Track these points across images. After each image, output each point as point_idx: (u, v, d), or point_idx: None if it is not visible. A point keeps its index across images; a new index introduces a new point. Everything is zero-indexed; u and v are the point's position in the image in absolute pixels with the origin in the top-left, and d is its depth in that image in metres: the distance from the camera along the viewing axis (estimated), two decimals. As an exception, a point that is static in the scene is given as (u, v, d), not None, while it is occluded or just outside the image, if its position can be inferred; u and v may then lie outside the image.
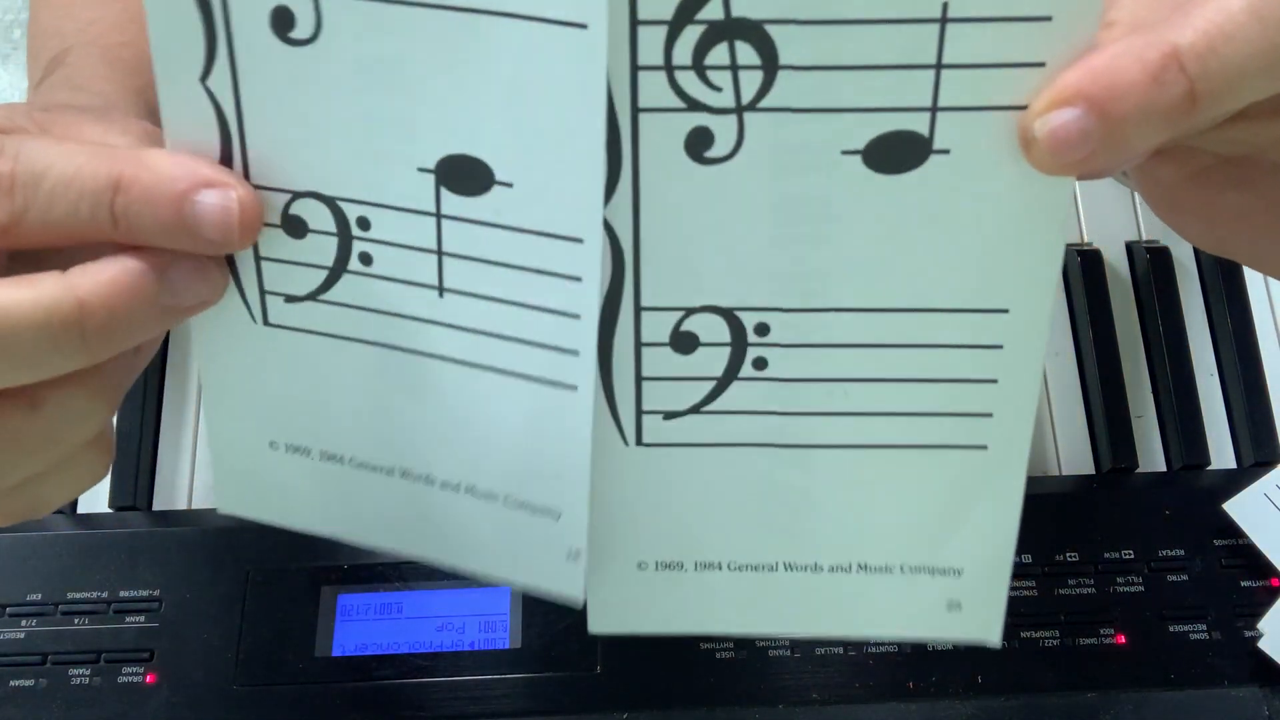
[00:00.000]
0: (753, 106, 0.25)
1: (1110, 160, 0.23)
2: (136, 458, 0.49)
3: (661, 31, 0.24)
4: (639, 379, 0.29)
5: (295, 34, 0.26)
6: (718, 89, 0.25)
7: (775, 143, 0.25)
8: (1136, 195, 0.54)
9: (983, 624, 0.31)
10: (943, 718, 0.42)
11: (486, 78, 0.25)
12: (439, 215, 0.27)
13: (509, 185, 0.26)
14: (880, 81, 0.24)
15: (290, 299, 0.30)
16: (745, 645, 0.43)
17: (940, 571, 0.31)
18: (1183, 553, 0.45)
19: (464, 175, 0.27)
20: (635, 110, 0.25)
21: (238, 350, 0.31)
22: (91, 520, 0.48)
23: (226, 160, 0.27)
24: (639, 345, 0.28)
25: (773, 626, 0.33)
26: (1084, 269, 0.51)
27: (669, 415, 0.29)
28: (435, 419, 0.31)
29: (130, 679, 0.43)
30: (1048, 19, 0.23)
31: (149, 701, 0.43)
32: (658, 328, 0.28)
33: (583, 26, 0.24)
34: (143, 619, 0.44)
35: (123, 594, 0.45)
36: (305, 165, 0.27)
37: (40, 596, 0.44)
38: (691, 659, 0.43)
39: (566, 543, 0.31)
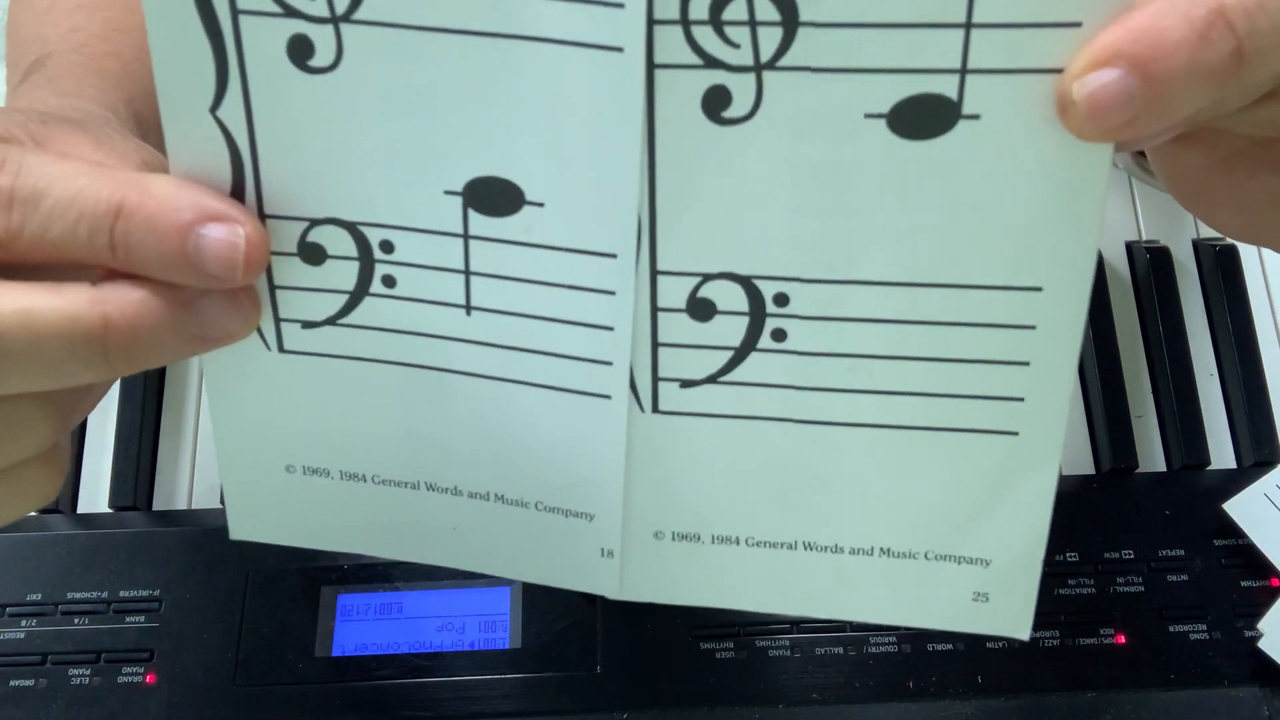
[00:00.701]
0: (772, 65, 0.24)
1: (1153, 124, 0.21)
2: (136, 458, 0.49)
3: None
4: (655, 344, 0.28)
5: (314, 62, 0.25)
6: (736, 45, 0.24)
7: (795, 104, 0.24)
8: (1137, 195, 0.54)
9: (1011, 617, 0.30)
10: (943, 718, 0.42)
11: (519, 102, 0.25)
12: (466, 236, 0.27)
13: (540, 205, 0.26)
14: (906, 41, 0.23)
15: (307, 324, 0.29)
16: (745, 645, 0.43)
17: (967, 561, 0.30)
18: (1183, 553, 0.45)
19: (493, 196, 0.26)
20: (651, 66, 0.24)
21: (251, 378, 0.30)
22: (91, 520, 0.48)
23: (238, 190, 0.27)
24: (655, 310, 0.27)
25: (792, 607, 0.32)
26: (1084, 269, 0.51)
27: (685, 384, 0.29)
28: (463, 433, 0.30)
29: (130, 679, 0.43)
30: None
31: (149, 701, 0.43)
32: (674, 293, 0.27)
33: (619, 50, 0.23)
34: (143, 619, 0.44)
35: (122, 594, 0.45)
36: (324, 192, 0.27)
37: (40, 596, 0.44)
38: (691, 659, 0.43)
39: (600, 542, 0.31)
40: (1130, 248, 0.53)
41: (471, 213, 0.27)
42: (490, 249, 0.27)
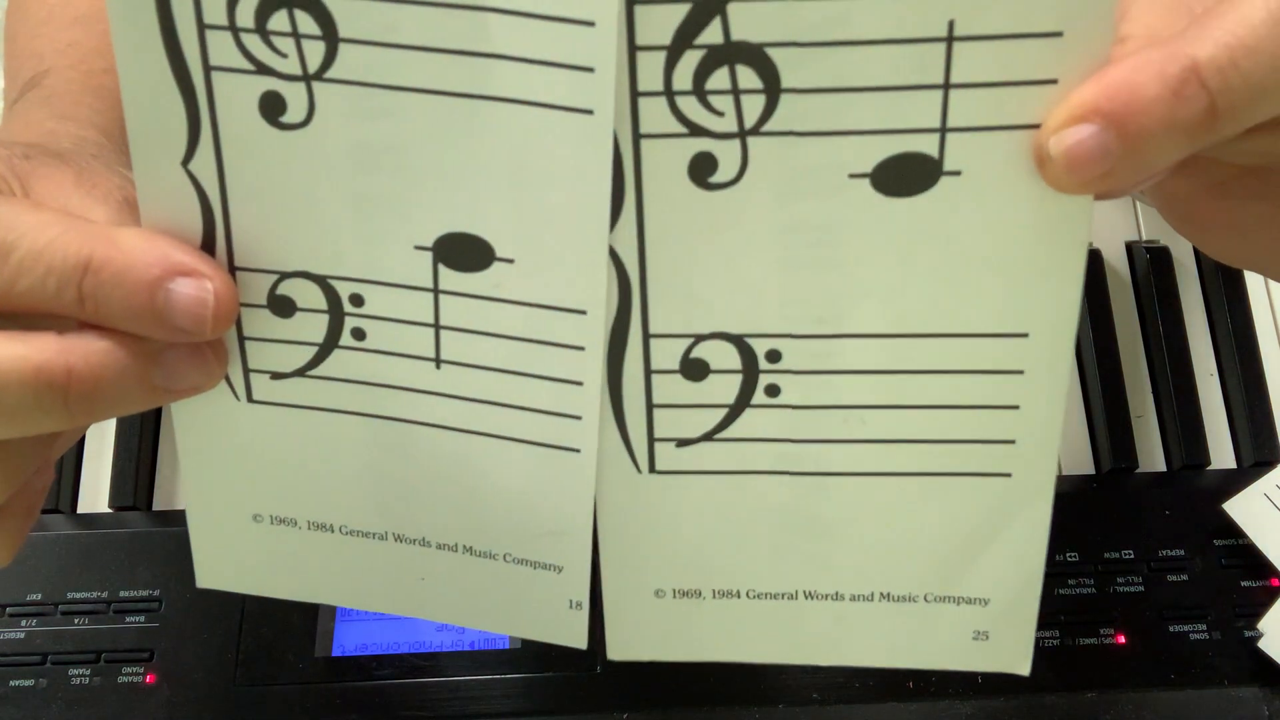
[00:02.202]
0: (756, 131, 0.25)
1: (1130, 177, 0.22)
2: (136, 458, 0.49)
3: (661, 57, 0.24)
4: (650, 406, 0.29)
5: (286, 119, 0.25)
6: (720, 114, 0.24)
7: (780, 167, 0.25)
8: (1136, 195, 0.54)
9: (1011, 654, 0.31)
10: (943, 718, 0.42)
11: (488, 160, 0.25)
12: (436, 290, 0.27)
13: (510, 261, 0.26)
14: (887, 103, 0.24)
15: (276, 375, 0.29)
16: (745, 645, 0.44)
17: (966, 601, 0.30)
18: (1183, 553, 0.45)
19: (463, 252, 0.27)
20: (637, 136, 0.25)
21: (219, 428, 0.30)
22: (91, 520, 0.48)
23: (209, 243, 0.27)
24: (649, 372, 0.28)
25: (794, 656, 0.32)
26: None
27: (682, 443, 0.29)
28: (431, 484, 0.31)
29: (130, 679, 0.43)
30: (1059, 34, 0.22)
31: (149, 701, 0.43)
32: (667, 355, 0.28)
33: (589, 112, 0.24)
34: (143, 619, 0.44)
35: (123, 594, 0.45)
36: (294, 246, 0.27)
37: (40, 596, 0.44)
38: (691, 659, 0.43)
39: (569, 594, 0.31)
40: (1130, 248, 0.53)
41: (441, 268, 0.27)
42: (460, 303, 0.27)
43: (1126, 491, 0.48)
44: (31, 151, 0.30)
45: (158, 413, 0.51)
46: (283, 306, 0.28)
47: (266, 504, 0.32)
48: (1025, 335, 0.26)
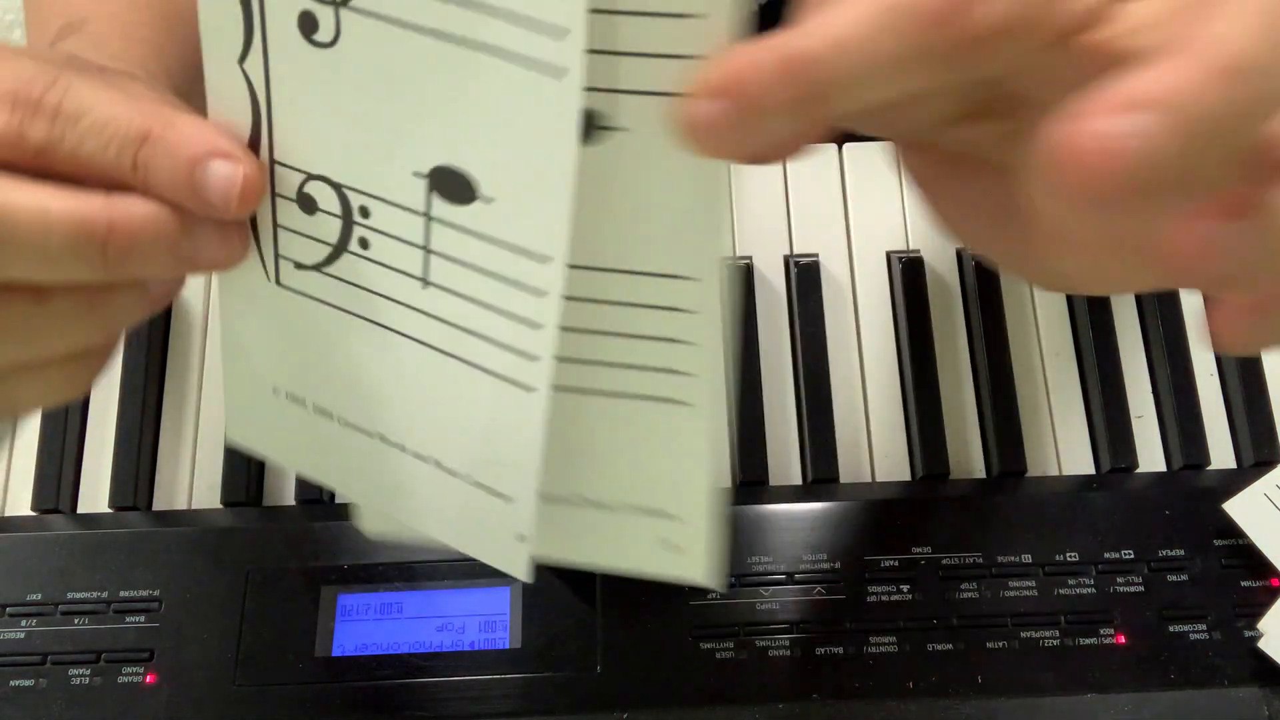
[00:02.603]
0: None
1: (747, 145, 0.24)
2: (136, 458, 0.49)
3: None
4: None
5: (318, 37, 0.28)
6: None
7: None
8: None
9: (698, 566, 0.34)
10: (942, 718, 0.42)
11: (476, 104, 0.27)
12: (429, 216, 0.29)
13: (490, 200, 0.28)
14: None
15: (299, 265, 0.32)
16: (745, 645, 0.43)
17: (650, 512, 0.34)
18: (1183, 553, 0.45)
19: (453, 185, 0.28)
20: None
21: (252, 302, 0.34)
22: (91, 520, 0.48)
23: (255, 134, 0.30)
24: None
25: (377, 501, 0.36)
26: (1084, 269, 0.51)
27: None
28: (411, 396, 0.33)
29: (130, 679, 0.43)
30: (701, 17, 0.25)
31: (149, 701, 0.43)
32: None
33: (559, 74, 0.25)
34: (143, 619, 0.44)
35: (123, 594, 0.45)
36: (319, 152, 0.30)
37: (40, 596, 0.44)
38: (691, 659, 0.43)
39: (516, 526, 0.33)
40: (1130, 248, 0.53)
41: (434, 196, 0.29)
42: (447, 231, 0.29)
43: (1126, 491, 0.48)
44: (94, 66, 0.33)
45: (157, 413, 0.51)
46: (308, 204, 0.31)
47: (283, 381, 0.35)
48: (694, 279, 0.29)
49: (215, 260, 0.31)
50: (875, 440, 0.50)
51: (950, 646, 0.43)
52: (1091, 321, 0.51)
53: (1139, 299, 0.52)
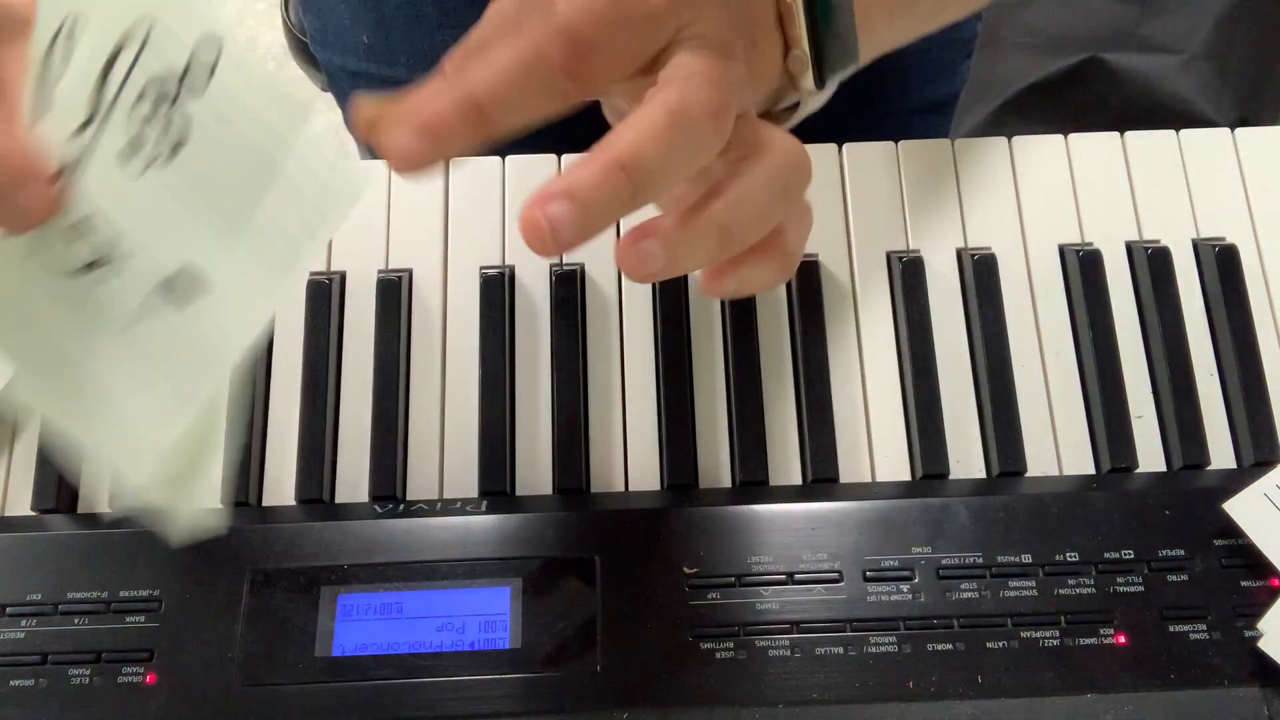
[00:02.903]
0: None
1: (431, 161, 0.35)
2: (136, 458, 0.49)
3: None
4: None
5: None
6: None
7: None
8: (1137, 195, 0.54)
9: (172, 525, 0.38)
10: (942, 718, 0.42)
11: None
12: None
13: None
14: None
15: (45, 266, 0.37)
16: (745, 645, 0.43)
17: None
18: (1183, 553, 0.45)
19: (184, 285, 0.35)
20: None
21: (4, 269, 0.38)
22: (91, 520, 0.48)
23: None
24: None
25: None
26: (1084, 269, 0.51)
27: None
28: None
29: (130, 679, 0.43)
30: None
31: (149, 701, 0.43)
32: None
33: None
34: (143, 619, 0.44)
35: (123, 594, 0.44)
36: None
37: (40, 596, 0.44)
38: (691, 659, 0.43)
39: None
40: (1130, 248, 0.53)
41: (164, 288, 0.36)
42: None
43: (1126, 491, 0.48)
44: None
45: (157, 413, 0.51)
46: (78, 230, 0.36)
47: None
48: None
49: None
50: (875, 440, 0.50)
51: (950, 646, 0.43)
52: (1092, 322, 0.51)
53: (1138, 299, 0.52)
